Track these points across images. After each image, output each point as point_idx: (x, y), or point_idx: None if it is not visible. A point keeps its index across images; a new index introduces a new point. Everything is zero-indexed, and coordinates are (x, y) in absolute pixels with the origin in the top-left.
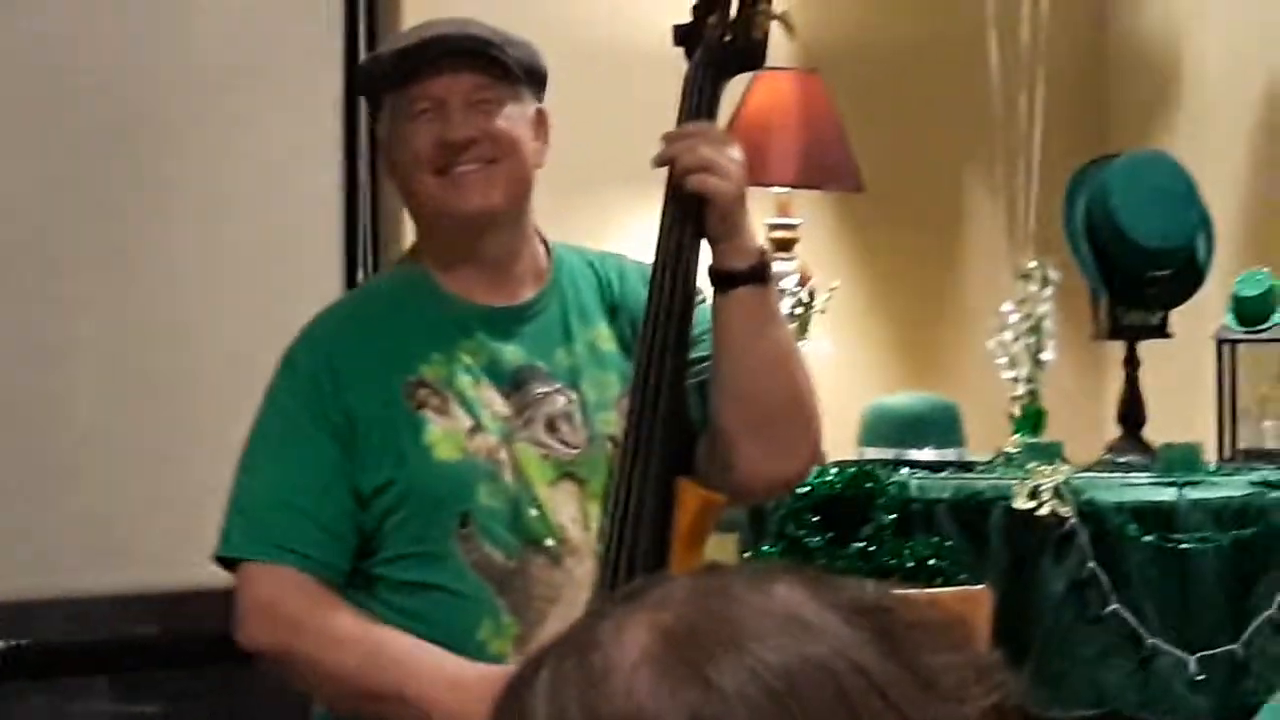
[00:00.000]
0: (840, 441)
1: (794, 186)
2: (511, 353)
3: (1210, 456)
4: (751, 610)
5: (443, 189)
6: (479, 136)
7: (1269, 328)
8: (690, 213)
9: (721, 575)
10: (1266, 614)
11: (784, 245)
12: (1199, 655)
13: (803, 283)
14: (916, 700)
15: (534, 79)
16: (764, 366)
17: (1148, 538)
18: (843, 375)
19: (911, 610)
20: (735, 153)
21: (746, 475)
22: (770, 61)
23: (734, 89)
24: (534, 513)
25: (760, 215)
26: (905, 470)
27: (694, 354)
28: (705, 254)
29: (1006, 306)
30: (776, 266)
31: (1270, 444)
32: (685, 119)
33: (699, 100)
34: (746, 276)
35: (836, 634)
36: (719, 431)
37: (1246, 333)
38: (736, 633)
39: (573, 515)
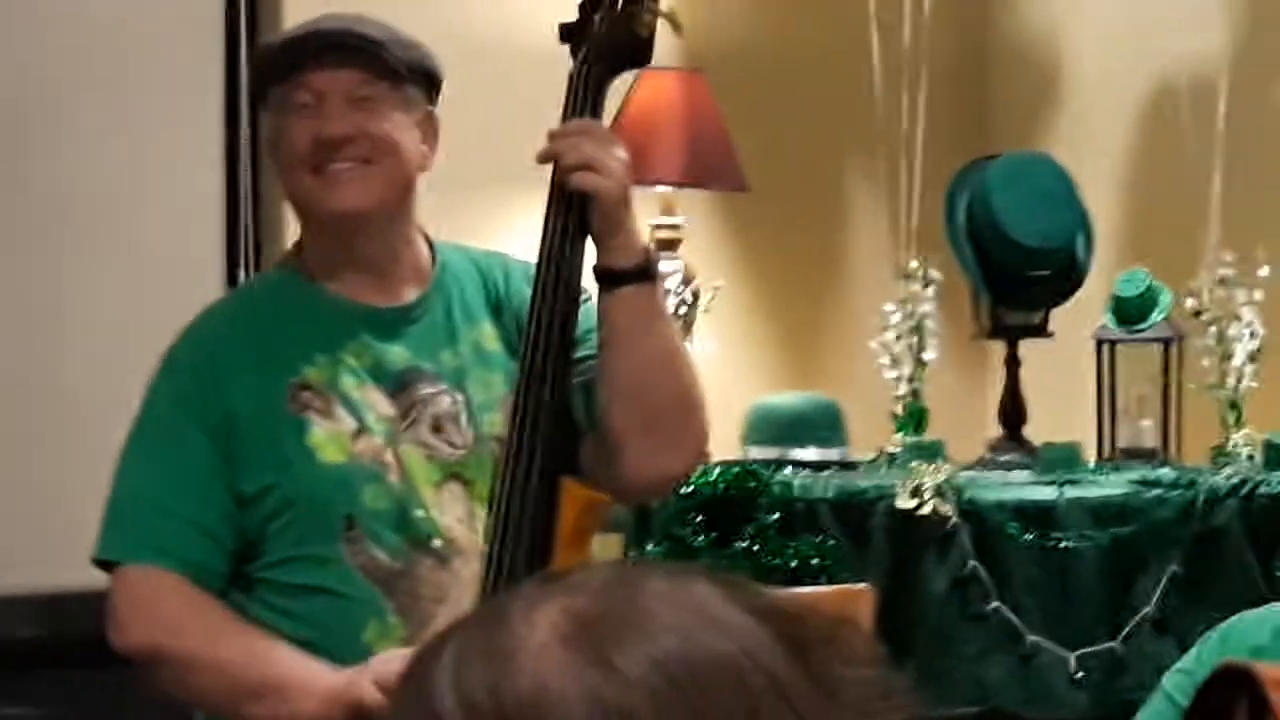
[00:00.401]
0: (724, 441)
1: (678, 186)
2: (396, 354)
3: (1090, 455)
4: (663, 602)
5: (317, 187)
6: (355, 135)
7: (1148, 327)
8: (574, 211)
9: (640, 568)
10: (1145, 612)
11: (668, 244)
12: (1079, 652)
13: (687, 282)
14: (819, 708)
15: (423, 81)
16: (650, 365)
17: (1028, 536)
18: (726, 375)
19: (823, 622)
20: (619, 151)
21: (632, 473)
22: (655, 61)
23: (619, 87)
24: (420, 514)
25: (645, 214)
26: (789, 470)
27: (579, 353)
28: (591, 252)
29: (889, 306)
30: (661, 266)
31: (1148, 443)
32: (570, 117)
33: (583, 98)
34: (632, 275)
35: (745, 634)
36: (605, 430)
37: (1126, 332)
38: (646, 621)
39: (459, 516)
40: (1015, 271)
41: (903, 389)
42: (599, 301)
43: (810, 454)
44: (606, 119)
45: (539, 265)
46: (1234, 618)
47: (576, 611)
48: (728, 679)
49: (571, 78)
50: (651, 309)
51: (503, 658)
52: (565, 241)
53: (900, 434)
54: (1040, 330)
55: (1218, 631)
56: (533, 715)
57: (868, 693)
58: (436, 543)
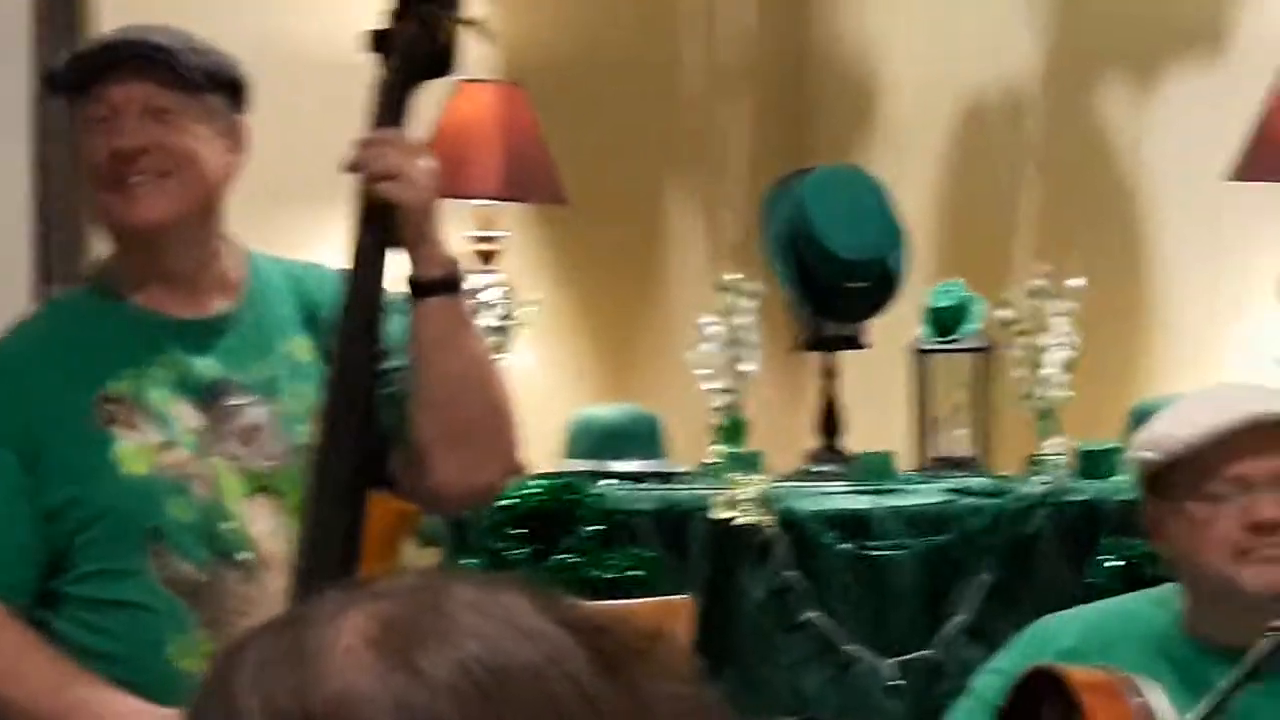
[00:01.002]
0: (543, 454)
1: (496, 199)
2: (205, 366)
3: (906, 465)
4: (472, 610)
5: (116, 202)
6: (150, 147)
7: (962, 338)
8: (379, 220)
9: (449, 575)
10: (960, 618)
11: (487, 258)
12: (895, 660)
13: (507, 296)
14: None
15: (225, 88)
16: (458, 376)
17: (845, 545)
18: (546, 387)
19: (635, 635)
20: (425, 160)
21: (441, 485)
22: (472, 73)
23: (435, 100)
24: (227, 526)
25: (463, 228)
26: (608, 482)
27: (389, 364)
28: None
29: (707, 318)
30: (480, 279)
31: (963, 452)
32: (376, 126)
33: (389, 107)
34: (438, 286)
35: (554, 644)
36: (414, 441)
37: (940, 343)
38: (453, 627)
39: (269, 529)
40: (832, 283)
41: (721, 401)
42: (409, 312)
43: (629, 466)
44: (422, 131)
45: (345, 275)
46: (1043, 619)
47: (383, 616)
48: (535, 688)
49: (377, 87)
50: (459, 320)
51: (308, 661)
52: (370, 251)
53: (719, 445)
54: (857, 341)
55: (1028, 632)
56: (338, 719)
57: (679, 707)
58: (244, 555)
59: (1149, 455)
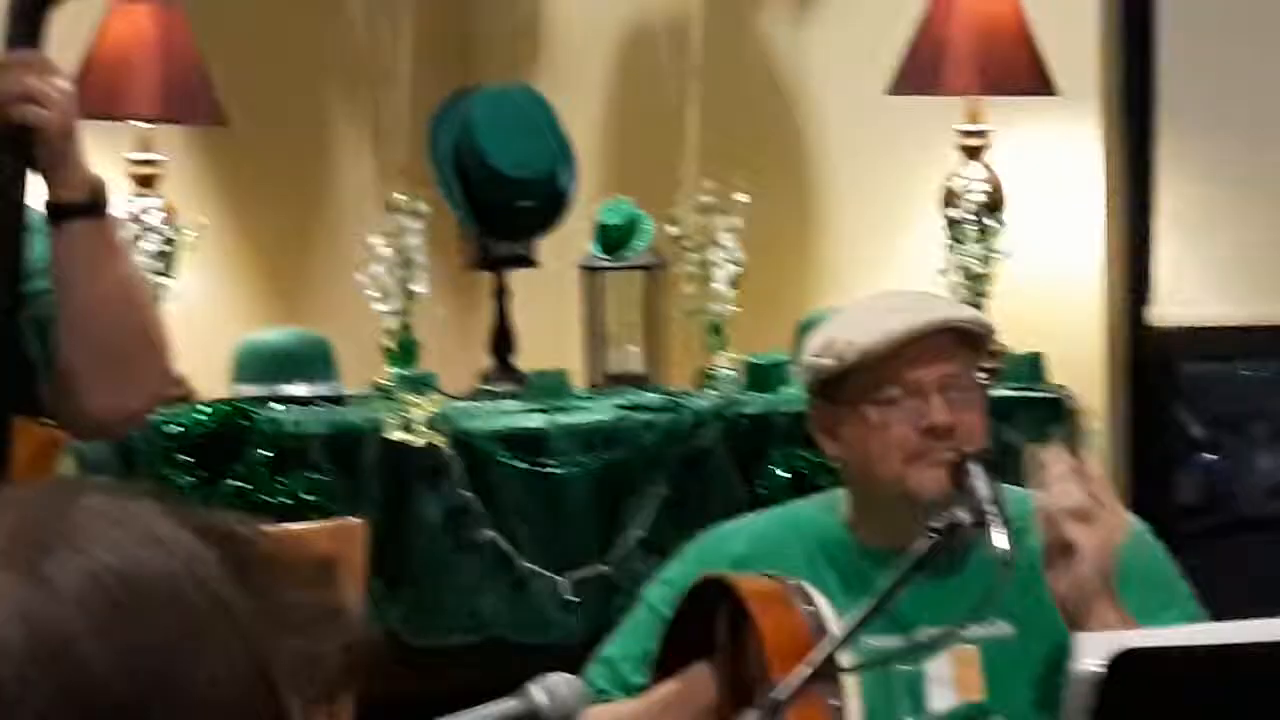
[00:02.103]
0: (212, 379)
1: (155, 121)
2: None
3: (579, 382)
4: (101, 518)
5: None
6: None
7: (631, 254)
8: (17, 144)
9: (77, 484)
10: (635, 534)
11: (147, 181)
12: (571, 577)
13: (169, 220)
14: (264, 628)
15: None
16: (103, 300)
17: (519, 464)
18: (212, 312)
19: (270, 545)
20: (62, 82)
21: (89, 411)
22: None
23: (89, 21)
24: None
25: (120, 150)
26: (278, 406)
27: (33, 287)
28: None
29: (376, 239)
30: (140, 203)
31: (635, 368)
32: (10, 48)
33: (23, 28)
34: (80, 209)
35: (188, 552)
36: (61, 366)
37: (610, 261)
38: (81, 535)
39: None
40: (500, 202)
41: (392, 322)
42: (52, 237)
43: (300, 390)
44: (70, 52)
45: None
46: (713, 529)
47: (9, 527)
48: (168, 596)
49: (10, 8)
50: (104, 244)
51: None
52: (8, 175)
53: (391, 367)
54: (527, 260)
55: (697, 543)
56: None
57: (313, 614)
58: None
59: (823, 361)
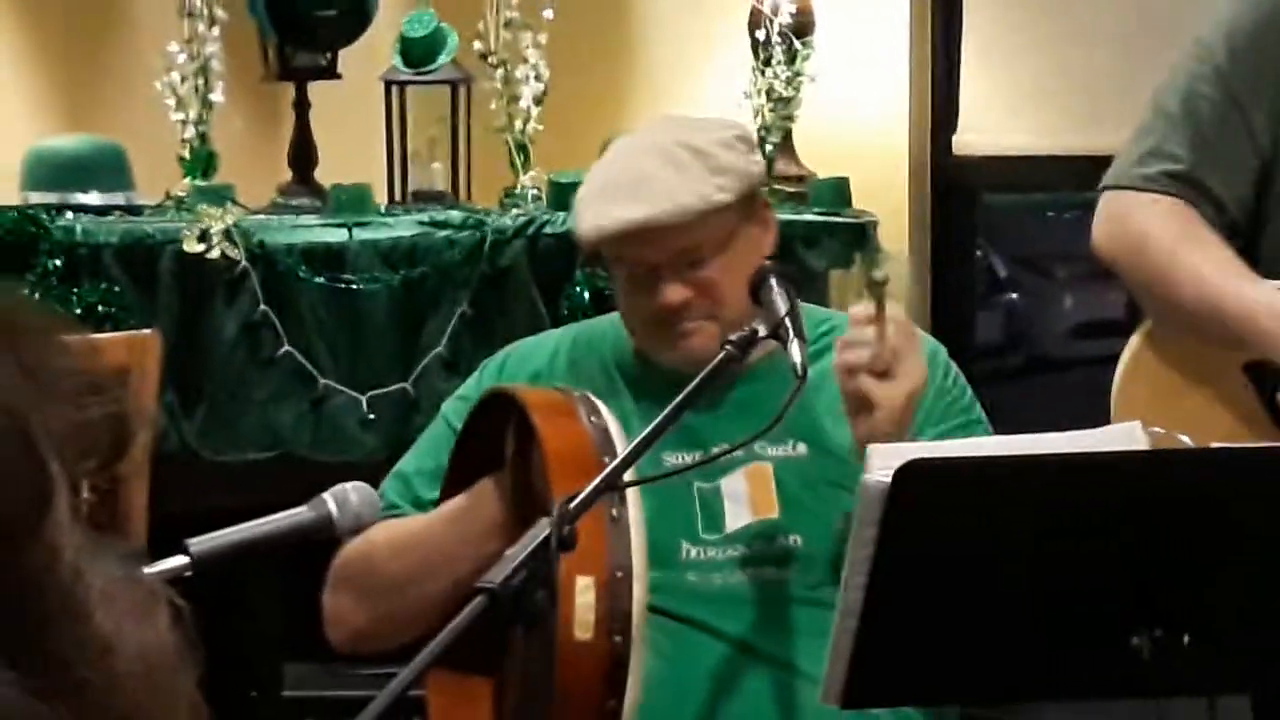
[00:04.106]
0: (2, 186)
1: None
2: None
3: (381, 198)
4: None
5: None
6: None
7: (435, 69)
8: None
9: None
10: (435, 351)
11: None
12: (370, 395)
13: None
14: (30, 398)
15: None
16: None
17: (319, 279)
18: (3, 118)
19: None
20: None
21: None
22: None
23: None
24: None
25: None
26: (70, 215)
27: None
28: None
29: (173, 46)
30: None
31: (439, 185)
32: None
33: None
34: None
35: None
36: None
37: (414, 74)
38: None
39: None
40: (301, 11)
41: (189, 132)
42: None
43: (93, 198)
44: None
45: None
46: (512, 345)
47: None
48: None
49: None
50: None
51: None
52: None
53: (188, 178)
54: (329, 72)
55: (496, 359)
56: None
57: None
58: None
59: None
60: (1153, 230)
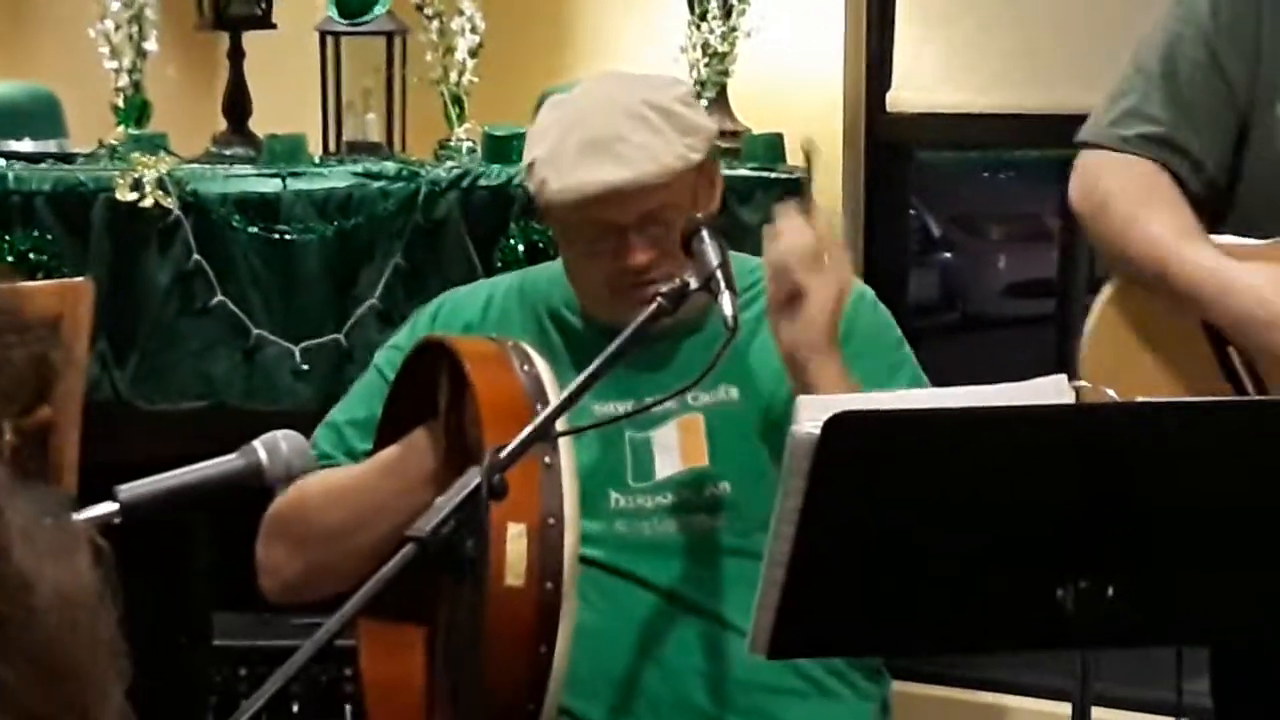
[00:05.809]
0: None
1: None
2: None
3: (315, 149)
4: None
5: None
6: None
7: (370, 20)
8: None
9: None
10: (369, 302)
11: None
12: (304, 345)
13: None
14: None
15: None
16: None
17: (252, 229)
18: None
19: None
20: None
21: None
22: None
23: None
24: None
25: None
26: (2, 161)
27: None
28: None
29: None
30: None
31: (373, 136)
32: None
33: None
34: None
35: None
36: None
37: (349, 25)
38: None
39: None
40: None
41: (123, 81)
42: None
43: (25, 146)
44: None
45: None
46: (445, 294)
47: None
48: None
49: None
50: None
51: None
52: None
53: (121, 127)
54: (264, 22)
55: (429, 309)
56: None
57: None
58: None
59: (528, 184)
60: (1116, 191)
